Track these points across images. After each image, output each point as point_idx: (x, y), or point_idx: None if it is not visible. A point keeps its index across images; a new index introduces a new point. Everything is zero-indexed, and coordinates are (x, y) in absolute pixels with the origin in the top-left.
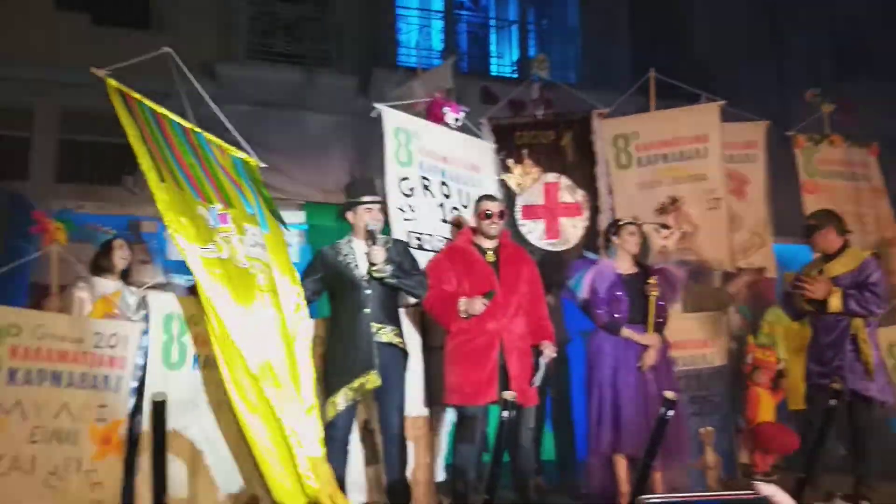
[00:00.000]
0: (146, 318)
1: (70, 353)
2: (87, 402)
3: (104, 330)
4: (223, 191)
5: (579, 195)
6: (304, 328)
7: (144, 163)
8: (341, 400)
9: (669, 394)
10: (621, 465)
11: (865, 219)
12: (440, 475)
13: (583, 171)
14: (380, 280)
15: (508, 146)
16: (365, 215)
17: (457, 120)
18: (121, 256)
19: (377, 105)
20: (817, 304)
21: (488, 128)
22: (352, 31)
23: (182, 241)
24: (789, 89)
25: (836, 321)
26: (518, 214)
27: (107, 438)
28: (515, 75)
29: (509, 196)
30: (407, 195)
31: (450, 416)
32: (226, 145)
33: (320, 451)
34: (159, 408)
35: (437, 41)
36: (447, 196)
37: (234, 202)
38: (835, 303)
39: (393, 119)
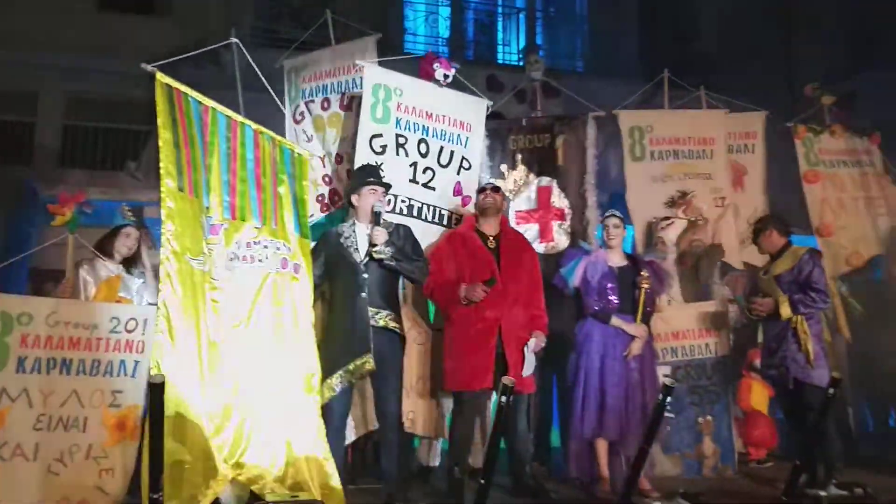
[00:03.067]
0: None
1: (83, 339)
2: (99, 389)
3: (121, 314)
4: (242, 198)
5: (565, 201)
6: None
7: (168, 167)
8: (337, 382)
9: (668, 380)
10: (602, 449)
11: (877, 202)
12: (437, 459)
13: (573, 173)
14: (379, 262)
15: (503, 151)
16: (369, 197)
17: (446, 76)
18: (124, 243)
19: (359, 62)
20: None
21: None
22: (358, 18)
23: (176, 246)
24: (795, 83)
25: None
26: (512, 219)
27: (121, 424)
28: (522, 63)
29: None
30: (378, 153)
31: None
32: (279, 138)
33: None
34: (157, 390)
35: (444, 28)
36: (424, 155)
37: (241, 212)
38: (785, 311)
39: (374, 75)
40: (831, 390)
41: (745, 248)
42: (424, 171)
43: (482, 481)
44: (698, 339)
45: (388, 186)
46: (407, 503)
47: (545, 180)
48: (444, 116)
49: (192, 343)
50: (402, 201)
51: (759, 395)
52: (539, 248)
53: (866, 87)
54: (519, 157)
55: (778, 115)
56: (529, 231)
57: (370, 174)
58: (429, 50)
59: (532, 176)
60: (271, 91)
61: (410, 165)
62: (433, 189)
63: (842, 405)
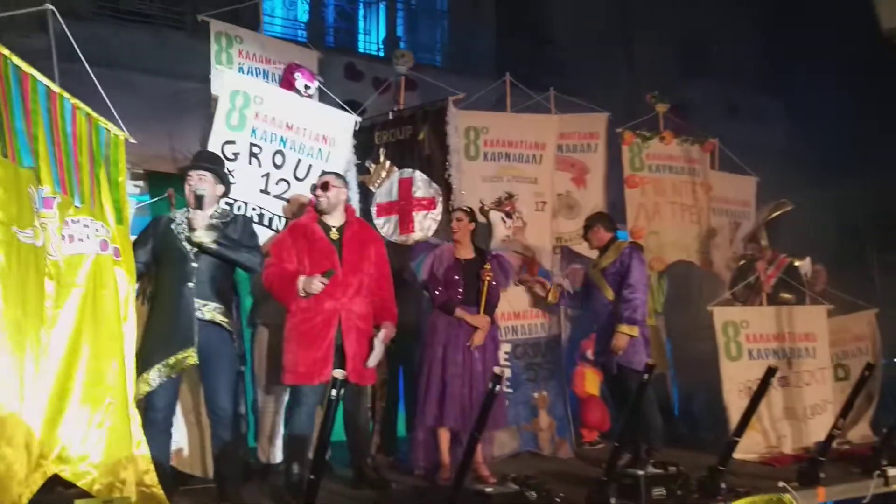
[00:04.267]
0: None
1: None
2: None
3: None
4: (68, 173)
5: (433, 189)
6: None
7: None
8: (155, 376)
9: (497, 369)
10: (444, 438)
11: (692, 209)
12: (278, 456)
13: (439, 162)
14: (199, 246)
15: (368, 146)
16: (191, 182)
17: (307, 87)
18: None
19: (220, 68)
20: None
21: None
22: None
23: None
24: (635, 87)
25: (605, 307)
26: (373, 212)
27: None
28: (382, 54)
29: (368, 195)
30: (230, 159)
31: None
32: (95, 115)
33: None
34: None
35: (303, 13)
36: (278, 167)
37: (70, 188)
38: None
39: (233, 81)
40: (646, 375)
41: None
42: (278, 183)
43: (311, 477)
44: (534, 318)
45: (222, 174)
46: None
47: (407, 172)
48: (305, 129)
49: (20, 323)
50: (253, 209)
51: (591, 381)
52: (399, 238)
53: (697, 96)
54: (382, 151)
55: (619, 117)
56: (389, 223)
57: (198, 158)
58: (291, 62)
59: (395, 169)
60: (86, 64)
61: (263, 176)
62: (287, 201)
63: (663, 389)
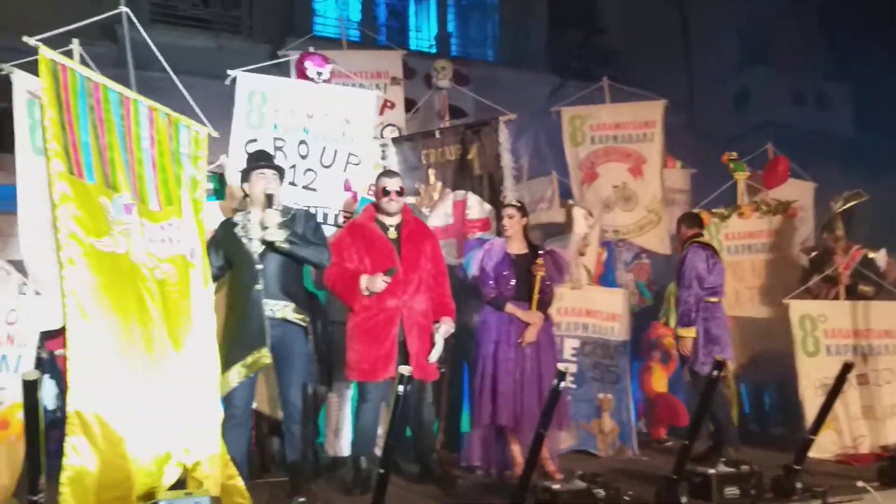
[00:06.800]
0: None
1: None
2: None
3: None
4: (141, 179)
5: (487, 210)
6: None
7: (57, 148)
8: (234, 376)
9: (562, 366)
10: (510, 434)
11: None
12: (345, 450)
13: (490, 180)
14: (271, 245)
15: (417, 167)
16: (259, 181)
17: (319, 73)
18: None
19: (231, 71)
20: None
21: (395, 147)
22: None
23: (77, 231)
24: (696, 75)
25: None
26: None
27: (5, 423)
28: (434, 50)
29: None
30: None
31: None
32: (175, 115)
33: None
34: (30, 387)
35: (356, 12)
36: (303, 157)
37: (142, 193)
38: None
39: (247, 83)
40: (715, 371)
41: (643, 234)
42: (305, 173)
43: (381, 471)
44: (607, 320)
45: (279, 170)
46: (312, 496)
47: (460, 194)
48: (325, 115)
49: (114, 330)
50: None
51: (658, 379)
52: (458, 262)
53: (758, 84)
54: (431, 171)
55: (676, 105)
56: (449, 246)
57: (258, 158)
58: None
59: (447, 190)
60: (168, 68)
61: (290, 168)
62: (314, 190)
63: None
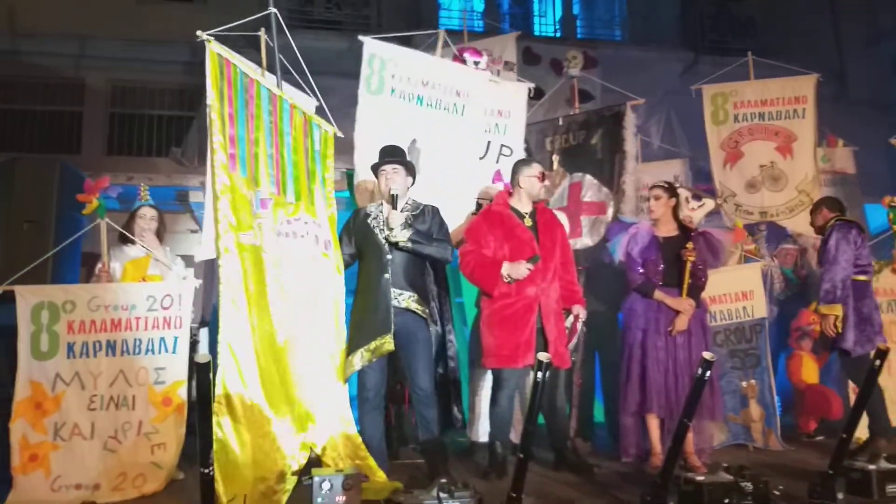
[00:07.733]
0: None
1: (123, 320)
2: (143, 367)
3: (157, 293)
4: (283, 172)
5: (603, 193)
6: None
7: (222, 141)
8: (357, 360)
9: (708, 354)
10: (654, 424)
11: None
12: (482, 435)
13: (611, 165)
14: (396, 245)
15: (541, 154)
16: (386, 180)
17: (476, 63)
18: (141, 225)
19: (361, 38)
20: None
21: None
22: None
23: (233, 221)
24: (844, 44)
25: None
26: None
27: (167, 400)
28: (559, 34)
29: None
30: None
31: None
32: (309, 114)
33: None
34: (203, 369)
35: (479, 2)
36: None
37: (283, 186)
38: None
39: (369, 47)
40: (877, 361)
41: (793, 216)
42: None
43: (520, 456)
44: (734, 302)
45: (410, 166)
46: (451, 478)
47: (577, 176)
48: (440, 84)
49: (253, 319)
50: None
51: (809, 369)
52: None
53: None
54: (556, 158)
55: (827, 77)
56: None
57: (387, 154)
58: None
59: (567, 174)
60: (306, 69)
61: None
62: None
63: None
